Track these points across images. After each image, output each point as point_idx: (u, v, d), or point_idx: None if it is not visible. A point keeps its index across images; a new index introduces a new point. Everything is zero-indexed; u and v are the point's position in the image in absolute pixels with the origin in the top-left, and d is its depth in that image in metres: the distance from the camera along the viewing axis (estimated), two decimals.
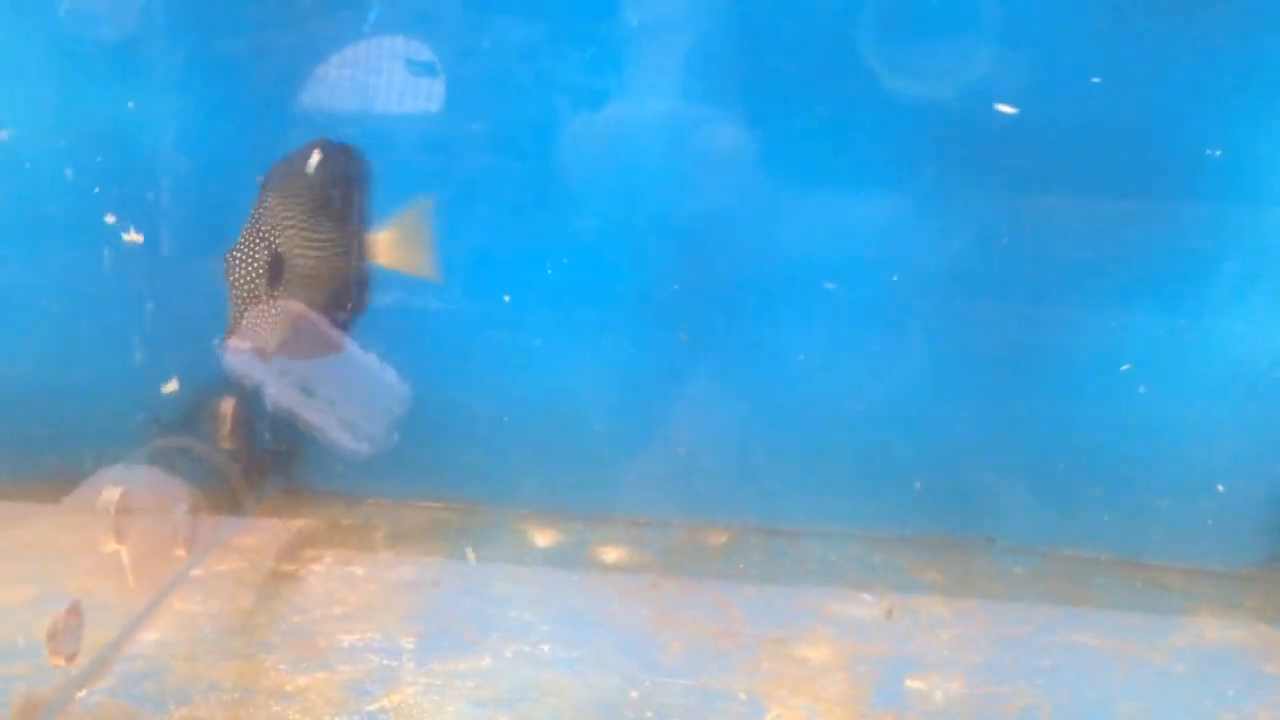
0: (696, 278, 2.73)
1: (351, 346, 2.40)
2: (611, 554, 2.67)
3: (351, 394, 2.50)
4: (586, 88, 2.63)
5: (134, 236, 2.42)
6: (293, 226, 1.95)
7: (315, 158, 1.94)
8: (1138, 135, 2.56)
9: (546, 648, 2.21)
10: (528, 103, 2.64)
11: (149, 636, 2.17)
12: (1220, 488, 2.72)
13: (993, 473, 2.80)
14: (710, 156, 2.65)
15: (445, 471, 2.87)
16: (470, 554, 2.59)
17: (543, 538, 2.74)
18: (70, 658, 1.94)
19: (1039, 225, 2.64)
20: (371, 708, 1.96)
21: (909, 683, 2.17)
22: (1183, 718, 2.13)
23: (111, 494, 2.12)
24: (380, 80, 2.63)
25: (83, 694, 1.96)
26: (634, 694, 2.06)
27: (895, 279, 2.71)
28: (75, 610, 1.93)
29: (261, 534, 2.64)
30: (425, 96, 2.63)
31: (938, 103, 2.57)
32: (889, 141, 2.61)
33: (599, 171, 2.67)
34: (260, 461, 2.80)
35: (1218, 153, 2.53)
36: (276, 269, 1.96)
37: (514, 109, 2.65)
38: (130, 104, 2.59)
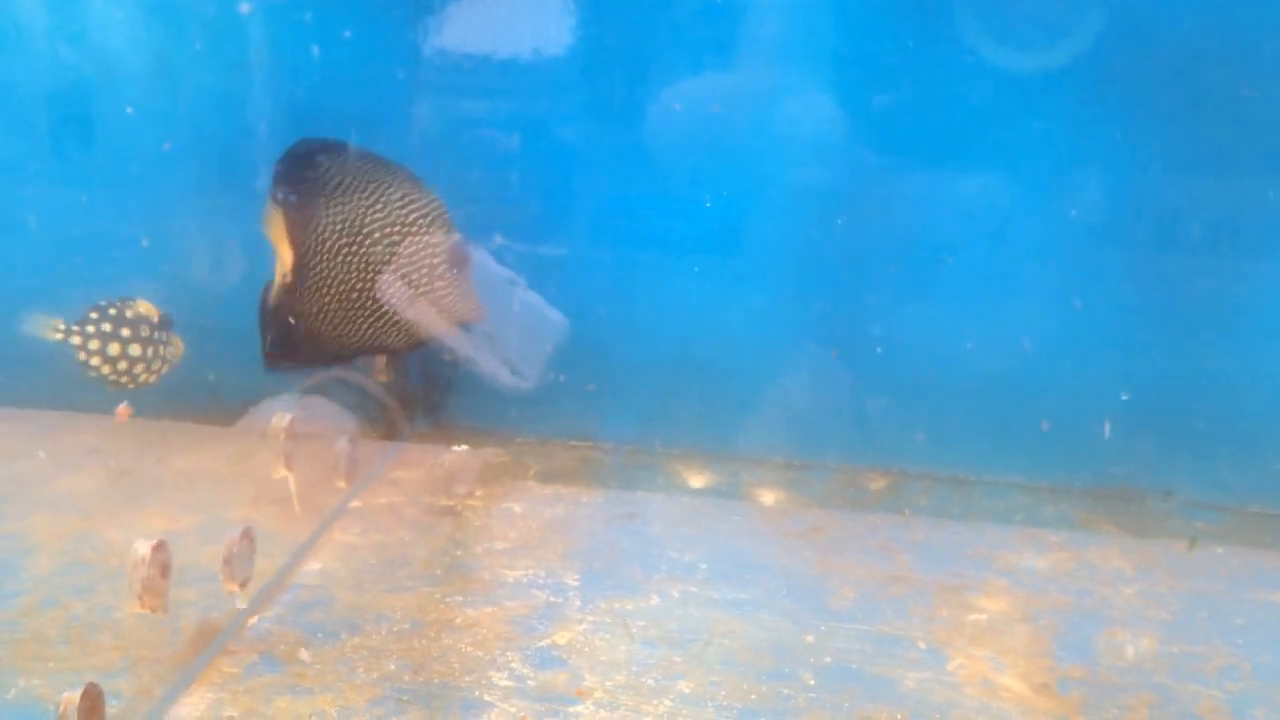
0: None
1: (517, 281, 2.35)
2: (769, 496, 2.59)
3: (511, 329, 2.46)
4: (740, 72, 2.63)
5: None
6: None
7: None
8: None
9: (713, 589, 2.15)
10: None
11: (313, 566, 2.16)
12: None
13: (1172, 425, 2.65)
14: (842, 132, 2.64)
15: (596, 411, 2.83)
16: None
17: (696, 479, 2.67)
18: (243, 584, 1.93)
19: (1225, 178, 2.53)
20: (543, 643, 1.92)
21: (1095, 637, 2.06)
22: None
23: (282, 419, 2.11)
24: None
25: (253, 621, 1.95)
26: (809, 638, 1.98)
27: (1073, 214, 2.58)
28: (248, 536, 1.92)
29: (416, 469, 2.62)
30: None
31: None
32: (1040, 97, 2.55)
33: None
34: (413, 397, 2.78)
35: None
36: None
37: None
38: None
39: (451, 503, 2.47)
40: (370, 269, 1.83)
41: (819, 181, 2.67)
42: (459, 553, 2.24)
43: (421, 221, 1.80)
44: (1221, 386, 2.62)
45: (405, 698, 1.74)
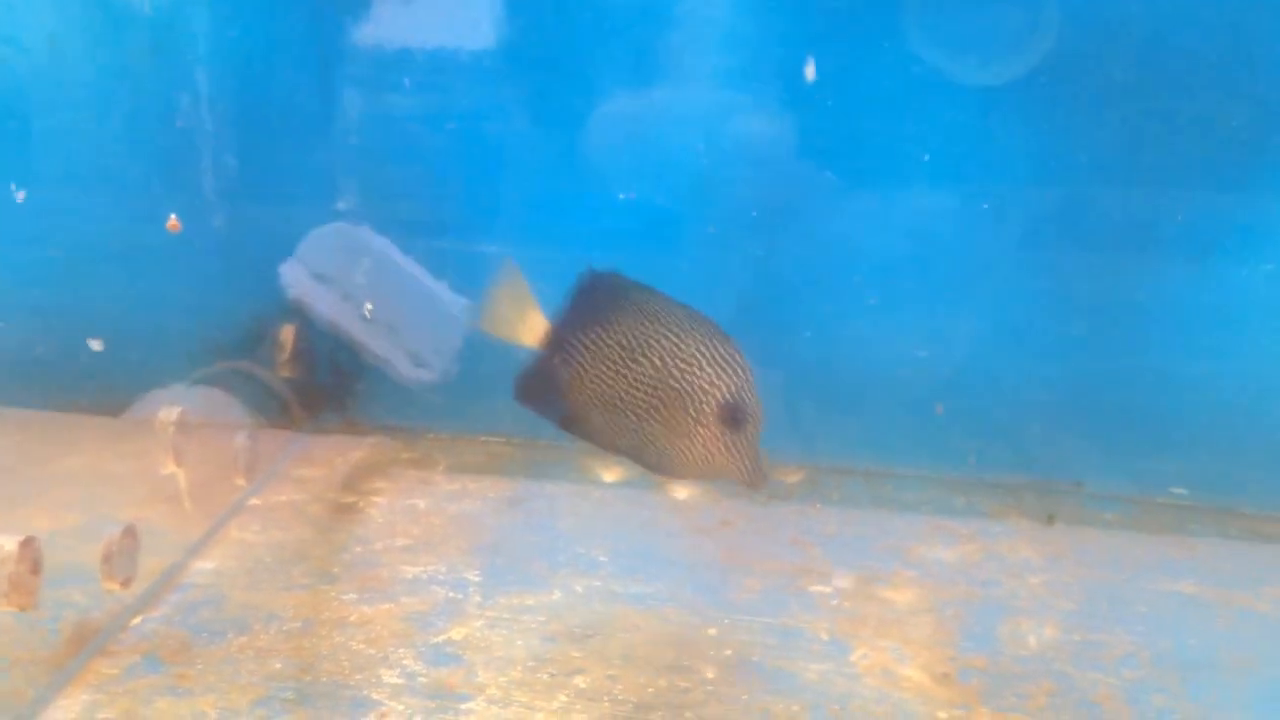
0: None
1: (418, 272, 2.31)
2: (681, 491, 2.56)
3: (415, 322, 2.40)
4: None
5: None
6: None
7: None
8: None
9: (618, 584, 2.11)
10: None
11: (206, 564, 2.09)
12: None
13: (1083, 420, 2.66)
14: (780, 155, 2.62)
15: (507, 406, 2.78)
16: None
17: (609, 474, 2.63)
18: (125, 583, 1.86)
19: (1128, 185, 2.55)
20: (437, 640, 1.87)
21: (999, 627, 2.05)
22: None
23: (170, 413, 2.04)
24: None
25: (137, 621, 1.88)
26: (712, 631, 1.96)
27: (985, 207, 2.58)
28: (130, 533, 1.85)
29: (321, 465, 2.56)
30: None
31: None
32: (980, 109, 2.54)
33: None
34: (319, 392, 2.71)
35: None
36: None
37: None
38: None
39: (355, 499, 2.41)
40: (638, 385, 1.85)
41: (735, 176, 2.64)
42: (359, 549, 2.18)
43: (708, 364, 1.81)
44: (1131, 383, 2.63)
45: (290, 698, 1.69)
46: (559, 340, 1.89)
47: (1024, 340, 2.65)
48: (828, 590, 2.15)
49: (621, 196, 2.65)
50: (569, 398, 1.91)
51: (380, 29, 2.59)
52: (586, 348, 1.88)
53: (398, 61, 2.61)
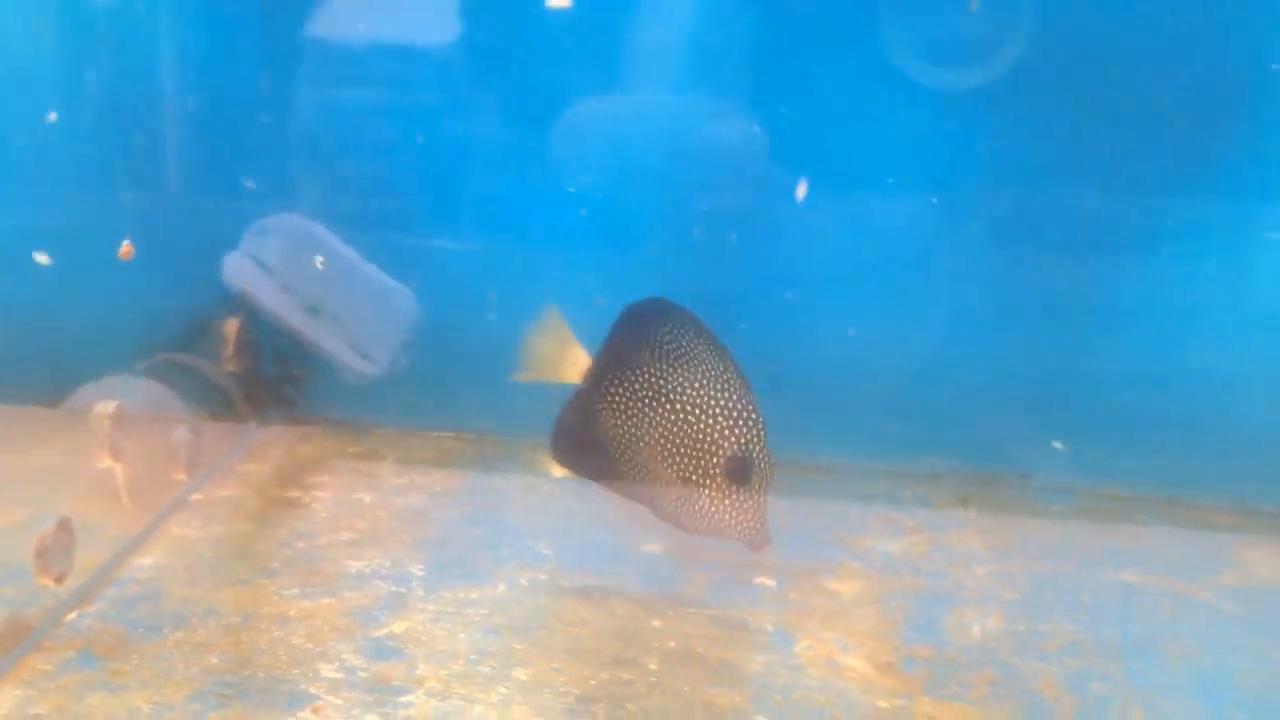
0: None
1: (363, 263, 2.29)
2: None
3: (360, 314, 2.38)
4: None
5: None
6: None
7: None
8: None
9: (564, 577, 2.10)
10: None
11: (145, 560, 2.06)
12: (1268, 425, 2.60)
13: (1031, 413, 2.68)
14: (729, 151, 2.62)
15: (457, 401, 2.76)
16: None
17: (558, 468, 2.61)
18: (59, 578, 1.83)
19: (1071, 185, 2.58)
20: (378, 634, 1.85)
21: (943, 617, 2.06)
22: (1232, 654, 2.01)
23: (106, 407, 2.00)
24: None
25: (72, 617, 1.85)
26: (657, 624, 1.95)
27: (934, 200, 2.60)
28: (65, 528, 1.82)
29: (265, 460, 2.53)
30: None
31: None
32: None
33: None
34: (265, 387, 2.68)
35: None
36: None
37: None
38: None
39: (299, 494, 2.38)
40: (659, 429, 1.85)
41: (691, 173, 2.64)
42: (301, 544, 2.16)
43: (722, 415, 1.81)
44: (1078, 377, 2.65)
45: (227, 692, 1.66)
46: (599, 376, 1.90)
47: (974, 336, 2.66)
48: (774, 583, 2.15)
49: (571, 189, 2.64)
50: (603, 433, 1.92)
51: (330, 23, 2.57)
52: (622, 385, 1.89)
53: (348, 56, 2.59)
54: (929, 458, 2.71)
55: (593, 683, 1.75)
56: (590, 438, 1.93)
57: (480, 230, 2.69)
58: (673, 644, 1.89)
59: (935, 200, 2.61)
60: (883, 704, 1.76)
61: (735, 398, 1.85)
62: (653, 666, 1.81)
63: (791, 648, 1.91)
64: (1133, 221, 2.58)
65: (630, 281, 2.64)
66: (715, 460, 1.82)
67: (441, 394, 2.74)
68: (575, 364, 1.94)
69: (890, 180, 2.61)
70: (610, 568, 2.16)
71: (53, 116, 2.47)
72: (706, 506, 1.83)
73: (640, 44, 2.59)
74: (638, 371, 1.88)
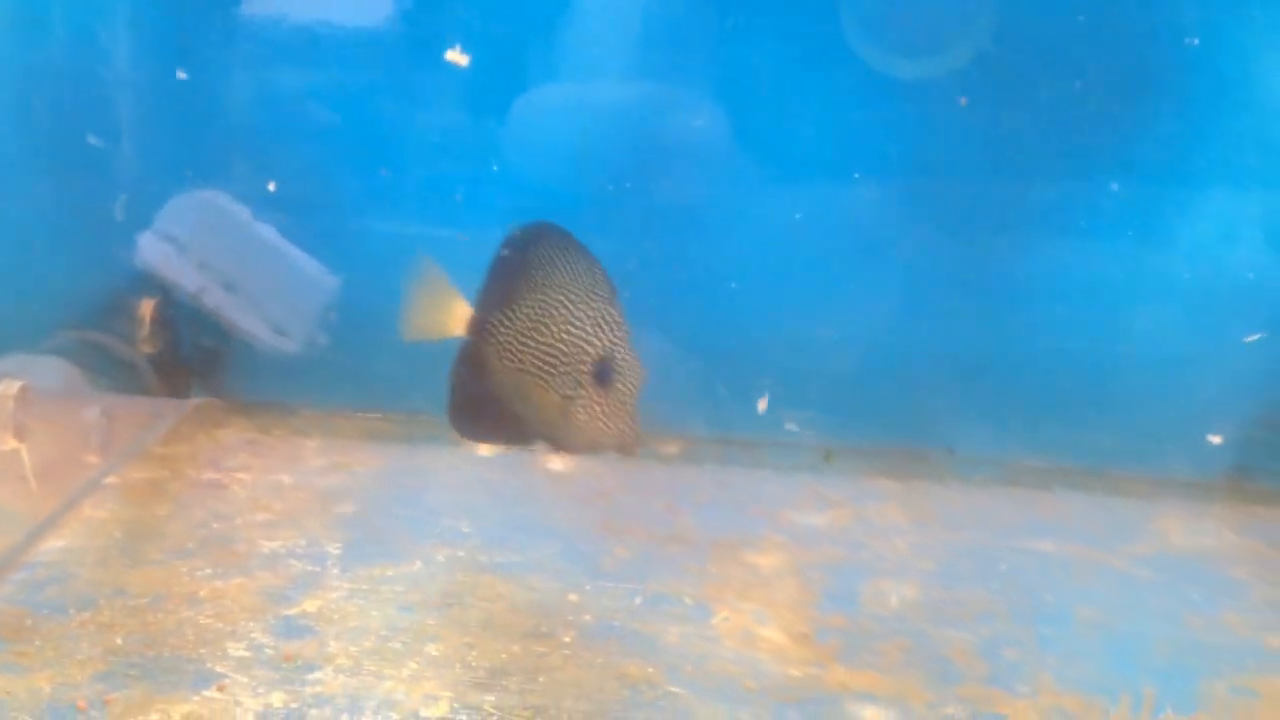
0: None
1: (278, 239, 2.26)
2: (558, 463, 2.54)
3: (276, 290, 2.35)
4: None
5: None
6: None
7: None
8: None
9: (483, 554, 2.09)
10: None
11: (55, 543, 2.02)
12: (1185, 399, 2.65)
13: (955, 388, 2.70)
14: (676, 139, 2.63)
15: (384, 380, 2.74)
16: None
17: (485, 447, 2.60)
18: None
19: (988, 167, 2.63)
20: (290, 612, 1.83)
21: (861, 588, 2.07)
22: (1145, 620, 2.05)
23: (10, 387, 1.96)
24: None
25: None
26: (573, 598, 1.95)
27: (856, 177, 2.61)
28: None
29: (185, 443, 2.49)
30: None
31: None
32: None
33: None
34: (184, 367, 2.64)
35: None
36: None
37: None
38: None
39: (219, 476, 2.35)
40: (539, 355, 1.82)
41: (629, 158, 2.64)
42: (217, 525, 2.13)
43: (590, 324, 1.79)
44: (1001, 353, 2.69)
45: (131, 672, 1.64)
46: (480, 324, 1.88)
47: (898, 314, 2.68)
48: (695, 556, 2.15)
49: (495, 168, 2.62)
50: (494, 379, 1.90)
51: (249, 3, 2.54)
52: (503, 323, 1.87)
53: (275, 37, 2.56)
54: (854, 432, 2.72)
55: (504, 656, 1.74)
56: (484, 392, 1.90)
57: (414, 214, 2.66)
58: (588, 617, 1.89)
59: (858, 177, 2.63)
60: (795, 673, 1.77)
61: (600, 305, 1.83)
62: (567, 639, 1.81)
63: (708, 620, 1.91)
64: (1049, 201, 2.61)
65: None
66: (584, 369, 1.81)
67: (369, 374, 2.71)
68: (457, 316, 1.90)
69: (814, 164, 2.63)
70: (532, 544, 2.15)
71: None
72: (581, 418, 1.81)
73: (592, 26, 2.58)
74: (515, 305, 1.86)
